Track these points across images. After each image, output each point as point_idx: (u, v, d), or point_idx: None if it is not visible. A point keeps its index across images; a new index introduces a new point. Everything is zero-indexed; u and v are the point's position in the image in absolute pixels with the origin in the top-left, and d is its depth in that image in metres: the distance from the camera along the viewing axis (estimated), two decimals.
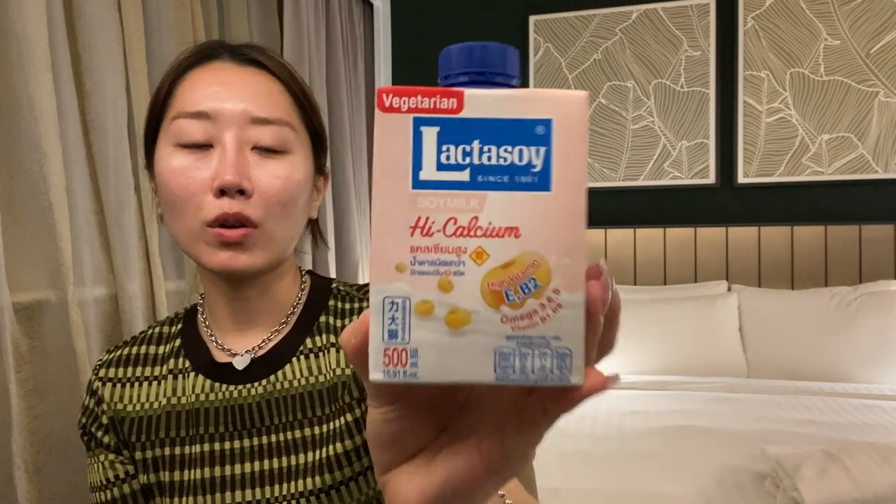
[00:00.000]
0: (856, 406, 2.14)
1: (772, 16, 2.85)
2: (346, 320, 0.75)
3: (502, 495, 0.52)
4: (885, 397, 2.23)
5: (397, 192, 0.27)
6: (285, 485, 0.69)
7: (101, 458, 0.73)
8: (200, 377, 0.72)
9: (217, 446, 0.70)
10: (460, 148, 0.26)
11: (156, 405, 0.72)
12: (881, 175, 2.76)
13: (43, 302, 1.40)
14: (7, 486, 1.26)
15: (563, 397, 0.27)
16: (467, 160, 0.26)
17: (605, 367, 0.27)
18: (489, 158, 0.26)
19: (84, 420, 0.75)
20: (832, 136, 2.80)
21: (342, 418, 0.70)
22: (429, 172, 0.27)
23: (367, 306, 0.35)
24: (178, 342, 0.75)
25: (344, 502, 0.69)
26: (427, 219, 0.26)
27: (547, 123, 0.26)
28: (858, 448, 1.44)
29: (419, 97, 0.27)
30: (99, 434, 0.73)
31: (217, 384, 0.71)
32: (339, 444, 0.69)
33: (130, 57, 1.63)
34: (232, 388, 0.71)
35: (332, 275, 2.61)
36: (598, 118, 3.04)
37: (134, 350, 0.76)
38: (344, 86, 2.66)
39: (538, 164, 0.26)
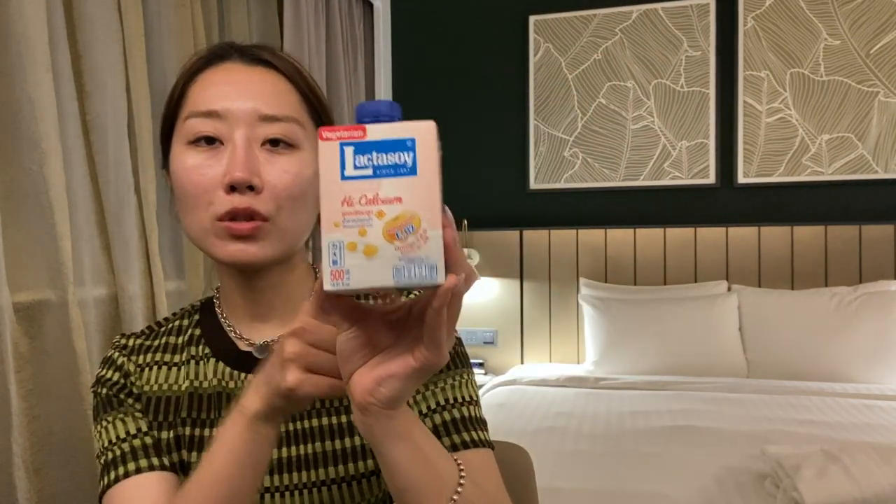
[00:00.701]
0: (856, 406, 2.14)
1: (772, 16, 2.85)
2: None
3: (461, 469, 0.56)
4: (885, 397, 2.23)
5: (333, 182, 0.45)
6: (305, 472, 0.70)
7: (137, 413, 0.72)
8: (221, 364, 0.73)
9: None
10: (366, 156, 0.45)
11: (179, 387, 0.73)
12: (881, 175, 2.76)
13: (43, 302, 1.40)
14: (7, 486, 1.26)
15: (437, 293, 0.44)
16: (370, 162, 0.45)
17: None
18: (382, 160, 0.45)
19: (106, 391, 0.73)
20: (832, 136, 2.80)
21: None
22: (349, 171, 0.45)
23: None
24: (197, 331, 0.77)
25: (364, 495, 0.70)
26: (350, 196, 0.44)
27: (413, 140, 0.45)
28: (858, 448, 1.44)
29: (342, 131, 0.45)
30: (129, 401, 0.73)
31: (237, 372, 0.73)
32: (360, 437, 0.71)
33: (130, 57, 1.63)
34: (252, 376, 0.71)
35: None
36: (598, 118, 3.04)
37: (148, 342, 0.77)
38: (344, 86, 2.66)
39: (409, 161, 0.44)
